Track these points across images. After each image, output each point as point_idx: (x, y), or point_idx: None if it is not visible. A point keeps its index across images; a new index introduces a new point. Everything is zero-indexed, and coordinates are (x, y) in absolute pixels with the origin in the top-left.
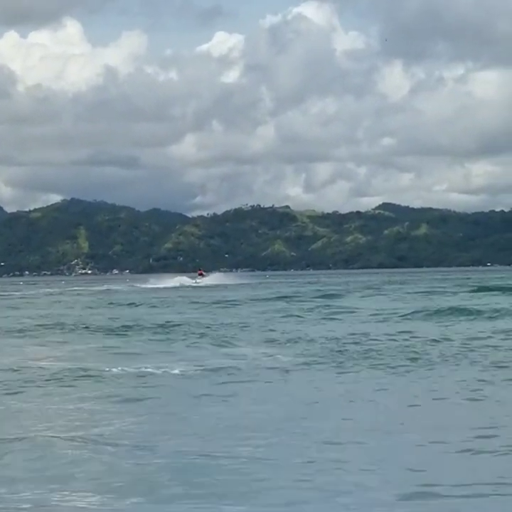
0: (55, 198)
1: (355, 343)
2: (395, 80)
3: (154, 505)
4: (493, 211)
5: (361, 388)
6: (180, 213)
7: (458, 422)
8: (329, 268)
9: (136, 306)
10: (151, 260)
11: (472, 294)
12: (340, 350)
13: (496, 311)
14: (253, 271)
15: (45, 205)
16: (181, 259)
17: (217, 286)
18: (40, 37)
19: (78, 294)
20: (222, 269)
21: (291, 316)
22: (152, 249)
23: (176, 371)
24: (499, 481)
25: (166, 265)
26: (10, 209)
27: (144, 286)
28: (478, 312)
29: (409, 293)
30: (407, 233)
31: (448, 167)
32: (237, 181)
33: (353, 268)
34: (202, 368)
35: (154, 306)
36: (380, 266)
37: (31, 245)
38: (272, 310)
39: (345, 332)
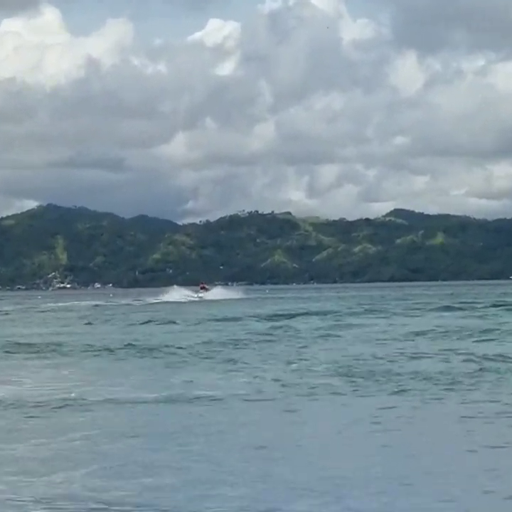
0: (31, 204)
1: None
2: (408, 72)
3: None
4: None
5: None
6: (170, 220)
7: None
8: (335, 281)
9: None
10: (136, 273)
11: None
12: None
13: None
14: (250, 284)
15: (19, 212)
16: (171, 271)
17: (222, 301)
18: (15, 25)
19: (69, 310)
20: (216, 283)
21: (329, 336)
22: (138, 261)
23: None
24: None
25: (154, 278)
26: None
27: (140, 301)
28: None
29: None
30: (421, 243)
31: (467, 169)
32: (232, 185)
33: (361, 281)
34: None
35: (171, 323)
36: (392, 279)
37: (4, 256)
38: (308, 329)
39: (390, 351)
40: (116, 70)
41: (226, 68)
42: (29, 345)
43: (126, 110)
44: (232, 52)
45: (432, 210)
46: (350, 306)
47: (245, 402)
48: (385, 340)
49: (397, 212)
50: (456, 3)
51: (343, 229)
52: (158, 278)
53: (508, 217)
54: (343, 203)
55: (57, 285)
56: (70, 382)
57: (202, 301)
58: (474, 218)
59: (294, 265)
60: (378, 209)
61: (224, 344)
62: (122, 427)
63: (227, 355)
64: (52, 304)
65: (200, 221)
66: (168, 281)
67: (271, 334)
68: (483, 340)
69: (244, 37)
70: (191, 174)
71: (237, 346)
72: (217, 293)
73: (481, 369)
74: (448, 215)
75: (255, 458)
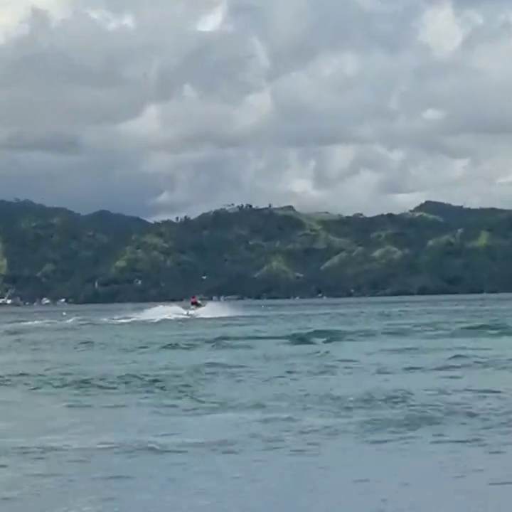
0: None
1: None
2: (442, 27)
3: None
4: None
5: None
6: (138, 217)
7: None
8: (350, 295)
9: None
10: (96, 285)
11: None
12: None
13: None
14: (241, 298)
15: None
16: (139, 282)
17: (219, 319)
18: None
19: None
20: (202, 297)
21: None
22: (98, 270)
23: None
24: None
25: (118, 292)
26: None
27: (121, 319)
28: None
29: None
30: (460, 244)
31: None
32: (218, 172)
33: (383, 294)
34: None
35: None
36: (422, 291)
37: None
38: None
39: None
40: (68, 26)
41: (209, 22)
42: None
43: (82, 76)
44: (217, 3)
45: (474, 203)
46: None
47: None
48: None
49: (428, 206)
50: None
51: (360, 228)
52: (124, 291)
53: None
54: (360, 195)
55: None
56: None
57: (197, 320)
58: None
59: (297, 274)
60: (405, 202)
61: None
62: None
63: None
64: None
65: (178, 218)
66: (137, 295)
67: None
68: None
69: None
70: (165, 158)
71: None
72: (212, 309)
73: None
74: (494, 210)
75: None
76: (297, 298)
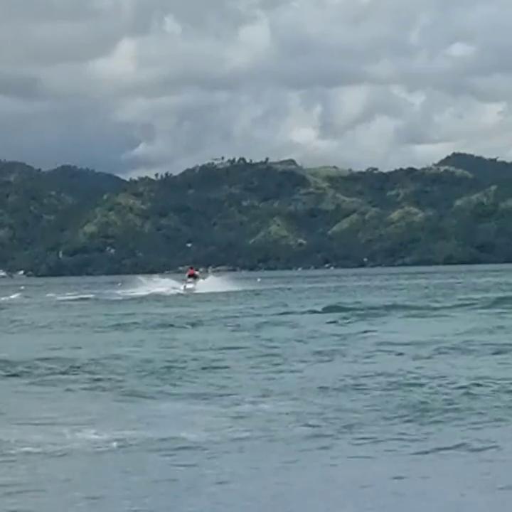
0: None
1: None
2: None
3: None
4: None
5: None
6: (110, 174)
7: None
8: (362, 265)
9: None
10: (60, 254)
11: None
12: None
13: None
14: (233, 269)
15: None
16: (112, 251)
17: (232, 293)
18: None
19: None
20: (181, 268)
21: None
22: (62, 236)
23: None
24: None
25: (87, 262)
26: None
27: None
28: None
29: None
30: (494, 205)
31: None
32: (205, 120)
33: (403, 264)
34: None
35: None
36: (448, 261)
37: None
38: None
39: None
40: None
41: None
42: None
43: (44, 8)
44: None
45: (510, 155)
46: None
47: None
48: None
49: (456, 160)
50: None
51: (375, 185)
52: (94, 262)
53: None
54: (375, 146)
55: None
56: None
57: (198, 296)
58: None
59: (300, 241)
60: (428, 154)
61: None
62: None
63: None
64: None
65: (157, 175)
66: (110, 267)
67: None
68: None
69: None
70: (143, 103)
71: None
72: (213, 283)
73: None
74: None
75: None
76: (300, 269)
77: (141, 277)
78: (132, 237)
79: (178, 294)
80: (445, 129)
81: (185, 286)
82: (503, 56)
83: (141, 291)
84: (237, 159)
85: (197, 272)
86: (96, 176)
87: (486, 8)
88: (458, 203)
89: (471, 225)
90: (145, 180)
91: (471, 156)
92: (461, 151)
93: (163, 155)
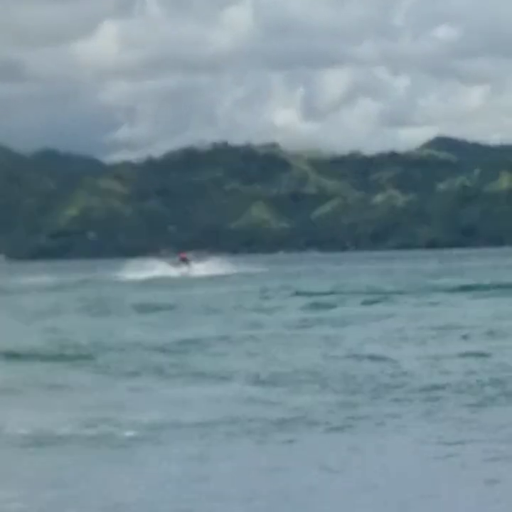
0: None
1: None
2: None
3: None
4: None
5: None
6: (92, 157)
7: None
8: (345, 249)
9: None
10: (42, 238)
11: None
12: None
13: None
14: (215, 253)
15: None
16: (94, 235)
17: (233, 277)
18: None
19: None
20: (163, 251)
21: None
22: (44, 220)
23: None
24: None
25: (69, 246)
26: None
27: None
28: None
29: None
30: (477, 189)
31: None
32: (188, 102)
33: (386, 248)
34: None
35: None
36: (432, 244)
37: None
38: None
39: None
40: None
41: None
42: None
43: None
44: None
45: (494, 139)
46: None
47: None
48: None
49: (440, 143)
50: None
51: (358, 168)
52: (75, 246)
53: None
54: (358, 129)
55: None
56: None
57: (203, 280)
58: None
59: (283, 225)
60: (411, 138)
61: None
62: None
63: None
64: None
65: (139, 158)
66: (91, 250)
67: None
68: None
69: None
70: (124, 86)
71: None
72: (209, 266)
73: None
74: None
75: None
76: (281, 252)
77: (133, 260)
78: (113, 221)
79: (183, 277)
80: (429, 111)
81: (180, 270)
82: (488, 39)
83: (142, 274)
84: (218, 142)
85: (188, 256)
86: (77, 159)
87: None
88: (441, 186)
89: (454, 209)
90: (126, 164)
91: (455, 139)
92: (445, 134)
93: (144, 138)
